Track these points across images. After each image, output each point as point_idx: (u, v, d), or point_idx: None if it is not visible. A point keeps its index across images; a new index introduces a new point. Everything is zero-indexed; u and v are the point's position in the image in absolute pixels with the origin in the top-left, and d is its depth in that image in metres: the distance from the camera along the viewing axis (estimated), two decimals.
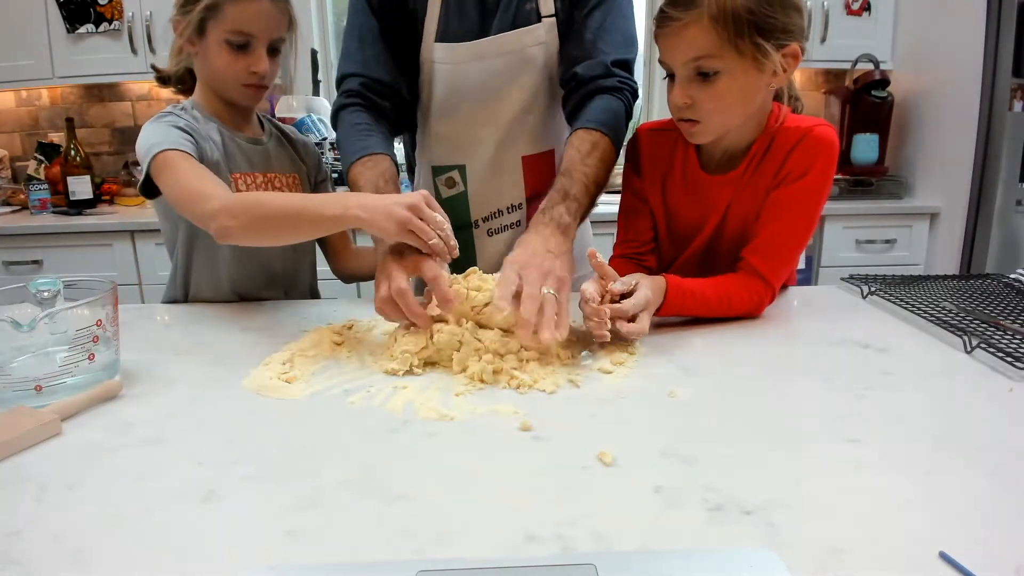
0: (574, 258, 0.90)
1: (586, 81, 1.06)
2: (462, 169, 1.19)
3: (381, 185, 0.97)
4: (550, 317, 0.77)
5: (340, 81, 1.12)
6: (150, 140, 1.00)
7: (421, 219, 0.82)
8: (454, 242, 0.85)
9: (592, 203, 0.99)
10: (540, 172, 1.19)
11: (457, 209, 1.20)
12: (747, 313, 0.96)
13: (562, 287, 0.82)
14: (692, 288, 0.90)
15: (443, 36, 1.09)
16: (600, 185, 0.99)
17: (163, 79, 1.18)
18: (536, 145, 1.19)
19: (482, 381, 0.75)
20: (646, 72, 2.77)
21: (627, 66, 1.08)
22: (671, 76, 0.92)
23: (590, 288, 0.82)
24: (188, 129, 1.04)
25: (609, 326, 0.81)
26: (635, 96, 1.09)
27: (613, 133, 1.02)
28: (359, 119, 1.07)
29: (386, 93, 1.10)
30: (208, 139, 1.08)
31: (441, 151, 1.19)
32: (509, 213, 1.22)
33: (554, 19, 1.09)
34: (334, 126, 1.12)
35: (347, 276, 1.33)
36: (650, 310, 0.85)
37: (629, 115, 1.08)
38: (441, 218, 0.84)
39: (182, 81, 1.17)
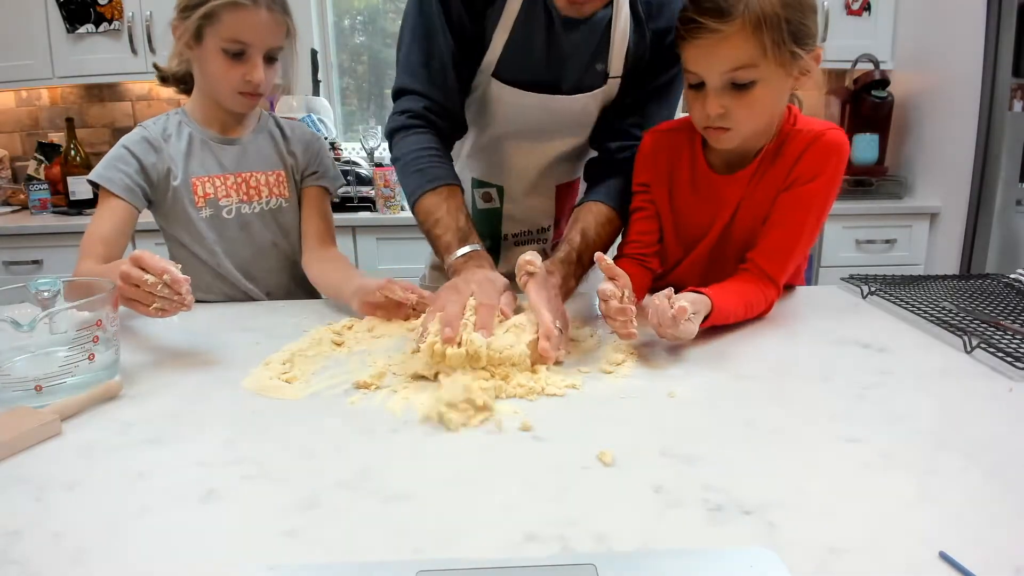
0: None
1: (619, 160, 1.10)
2: (500, 189, 1.22)
3: (462, 220, 0.98)
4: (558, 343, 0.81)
5: (401, 94, 1.07)
6: (102, 162, 1.11)
7: (137, 285, 0.78)
8: (185, 293, 0.78)
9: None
10: (568, 198, 1.26)
11: (490, 222, 1.24)
12: (760, 315, 0.97)
13: (566, 327, 0.87)
14: (727, 308, 0.89)
15: (502, 73, 1.06)
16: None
17: (164, 78, 1.18)
18: (570, 174, 1.24)
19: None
20: None
21: None
22: (697, 85, 0.90)
23: (608, 287, 0.81)
24: (138, 153, 1.12)
25: (635, 325, 0.80)
26: None
27: (624, 216, 1.09)
28: (428, 143, 1.04)
29: (447, 115, 1.07)
30: (168, 149, 1.14)
31: (483, 168, 1.21)
32: (538, 233, 1.28)
33: (620, 79, 1.09)
34: (392, 144, 1.08)
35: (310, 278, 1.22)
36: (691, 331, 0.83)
37: None
38: (152, 278, 0.77)
39: (183, 81, 1.18)
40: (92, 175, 1.10)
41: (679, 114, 1.13)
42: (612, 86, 1.10)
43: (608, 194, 1.08)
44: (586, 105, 1.11)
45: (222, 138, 1.18)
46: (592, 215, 1.05)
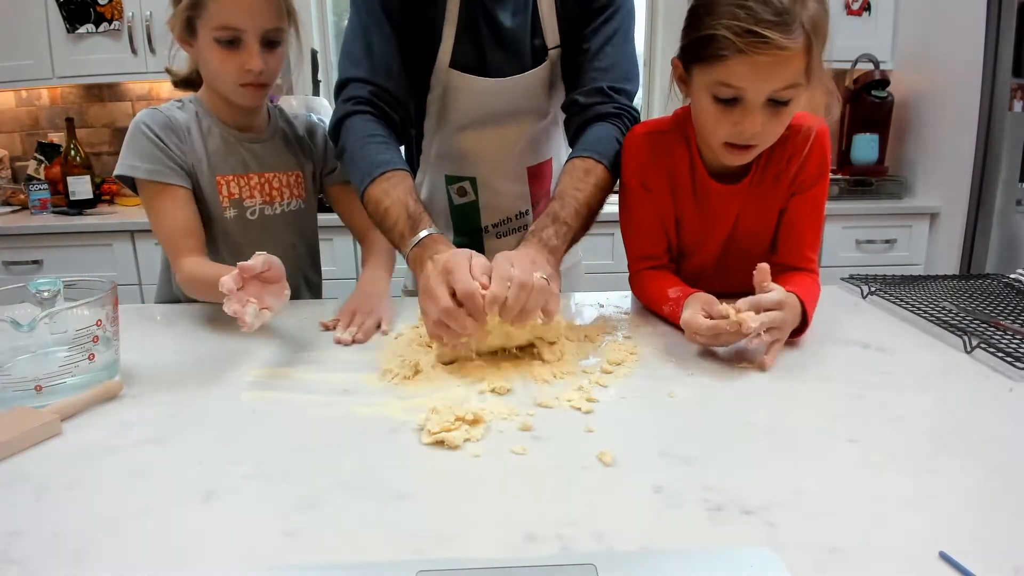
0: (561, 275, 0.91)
1: (585, 107, 1.06)
2: (473, 181, 1.21)
3: (411, 204, 0.93)
4: (536, 304, 0.76)
5: (343, 85, 1.05)
6: (129, 152, 1.05)
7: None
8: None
9: (584, 227, 0.98)
10: (542, 180, 1.25)
11: (469, 216, 1.24)
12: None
13: (552, 280, 0.79)
14: (812, 300, 0.89)
15: (458, 62, 1.08)
16: (592, 207, 0.98)
17: (177, 82, 1.15)
18: (538, 156, 1.23)
19: (496, 391, 0.73)
20: (645, 72, 2.77)
21: (627, 94, 1.08)
22: (729, 100, 0.82)
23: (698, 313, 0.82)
24: (167, 139, 1.05)
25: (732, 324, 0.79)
26: (635, 123, 1.07)
27: (608, 160, 1.01)
28: (373, 129, 1.01)
29: (395, 106, 1.05)
30: (194, 139, 1.08)
31: (454, 163, 1.20)
32: (517, 219, 1.27)
33: (559, 49, 1.10)
34: (336, 134, 1.05)
35: None
36: (777, 337, 0.81)
37: None
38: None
39: (194, 82, 1.14)
40: (141, 173, 1.04)
41: (657, 109, 1.12)
42: (555, 57, 1.10)
43: (583, 147, 1.03)
44: (535, 83, 1.12)
45: (245, 136, 1.13)
46: (567, 175, 1.00)
